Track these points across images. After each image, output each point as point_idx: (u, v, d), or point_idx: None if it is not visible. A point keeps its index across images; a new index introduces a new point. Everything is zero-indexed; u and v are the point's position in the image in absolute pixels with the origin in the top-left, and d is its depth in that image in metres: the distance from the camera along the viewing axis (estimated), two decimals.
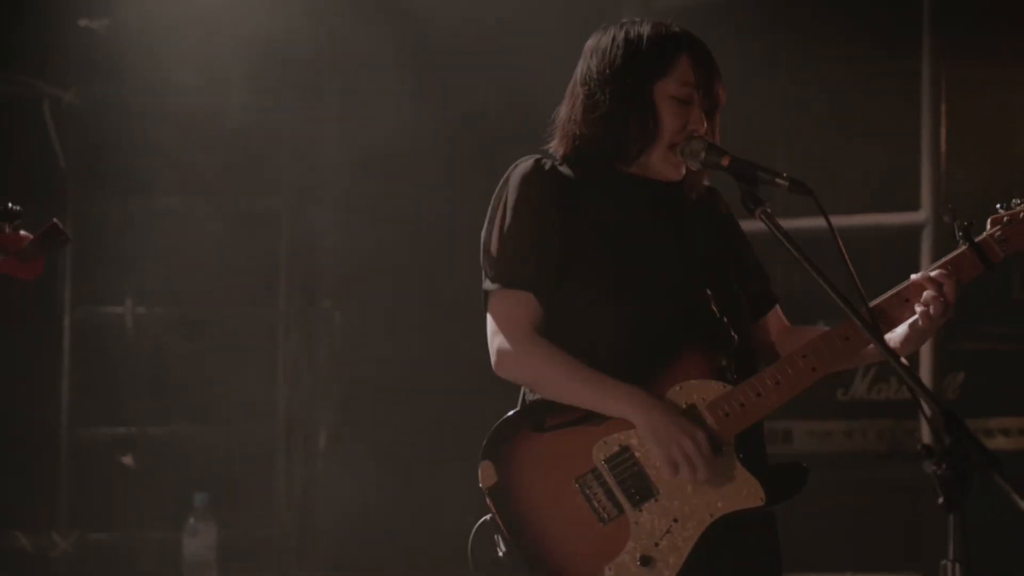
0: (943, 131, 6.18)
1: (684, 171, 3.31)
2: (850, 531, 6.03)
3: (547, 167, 3.28)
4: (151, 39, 6.36)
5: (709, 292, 3.27)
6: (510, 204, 3.25)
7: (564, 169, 3.30)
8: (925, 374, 6.01)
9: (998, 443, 5.98)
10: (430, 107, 6.46)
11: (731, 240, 3.45)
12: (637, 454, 3.16)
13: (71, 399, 6.69)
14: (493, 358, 3.25)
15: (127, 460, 6.66)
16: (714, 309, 3.26)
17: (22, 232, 3.56)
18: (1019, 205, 3.22)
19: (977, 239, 3.19)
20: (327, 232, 6.82)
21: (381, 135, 6.49)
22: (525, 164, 3.29)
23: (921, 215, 6.17)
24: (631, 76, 3.25)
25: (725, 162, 3.19)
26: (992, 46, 6.26)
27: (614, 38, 3.32)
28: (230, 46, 6.37)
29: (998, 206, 3.24)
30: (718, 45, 6.22)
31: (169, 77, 6.33)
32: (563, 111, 3.35)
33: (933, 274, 3.20)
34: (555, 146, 3.35)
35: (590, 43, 3.37)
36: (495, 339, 3.24)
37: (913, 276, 3.25)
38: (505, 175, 3.30)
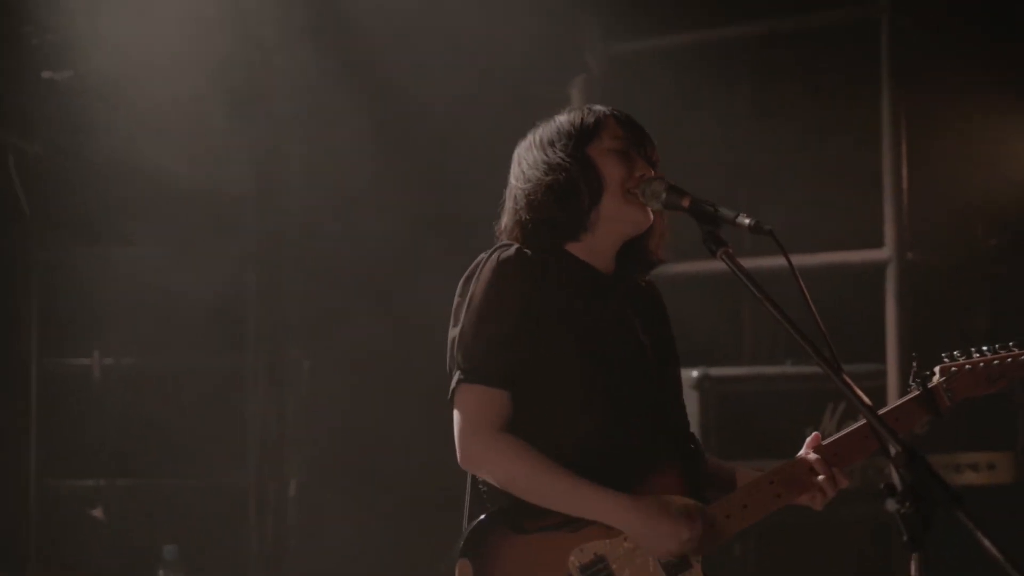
0: (904, 169, 6.21)
1: (652, 215, 3.27)
2: (820, 569, 6.01)
3: (525, 257, 3.20)
4: (114, 90, 6.37)
5: (671, 403, 3.30)
6: (485, 295, 3.17)
7: (537, 258, 3.21)
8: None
9: (967, 478, 5.98)
10: (396, 157, 6.49)
11: (672, 343, 3.43)
12: (613, 565, 3.14)
13: (39, 451, 6.65)
14: (460, 453, 3.16)
15: (97, 512, 6.61)
16: (677, 421, 3.30)
17: None
18: (960, 357, 3.36)
19: (930, 385, 3.35)
20: (294, 281, 6.81)
21: (347, 182, 6.51)
22: (507, 252, 3.20)
23: (885, 252, 6.19)
24: (561, 148, 3.24)
25: (686, 203, 3.16)
26: (950, 83, 6.31)
27: (536, 134, 3.32)
28: (193, 96, 6.39)
29: (943, 355, 3.38)
30: (680, 88, 6.33)
31: (133, 128, 6.34)
32: (505, 218, 3.31)
33: (817, 466, 3.25)
34: (503, 231, 3.31)
35: (515, 153, 3.34)
36: (464, 434, 3.15)
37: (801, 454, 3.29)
38: (477, 262, 3.23)
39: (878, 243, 6.22)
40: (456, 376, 3.18)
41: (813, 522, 5.99)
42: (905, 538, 2.60)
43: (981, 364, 3.35)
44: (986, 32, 6.25)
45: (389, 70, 6.55)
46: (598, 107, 3.34)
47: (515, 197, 3.28)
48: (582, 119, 3.28)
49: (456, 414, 3.18)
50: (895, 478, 2.71)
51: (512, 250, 3.20)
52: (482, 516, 3.18)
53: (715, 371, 6.07)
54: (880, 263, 6.18)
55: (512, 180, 3.31)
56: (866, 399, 3.02)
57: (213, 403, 6.67)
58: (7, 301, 6.64)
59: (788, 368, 6.09)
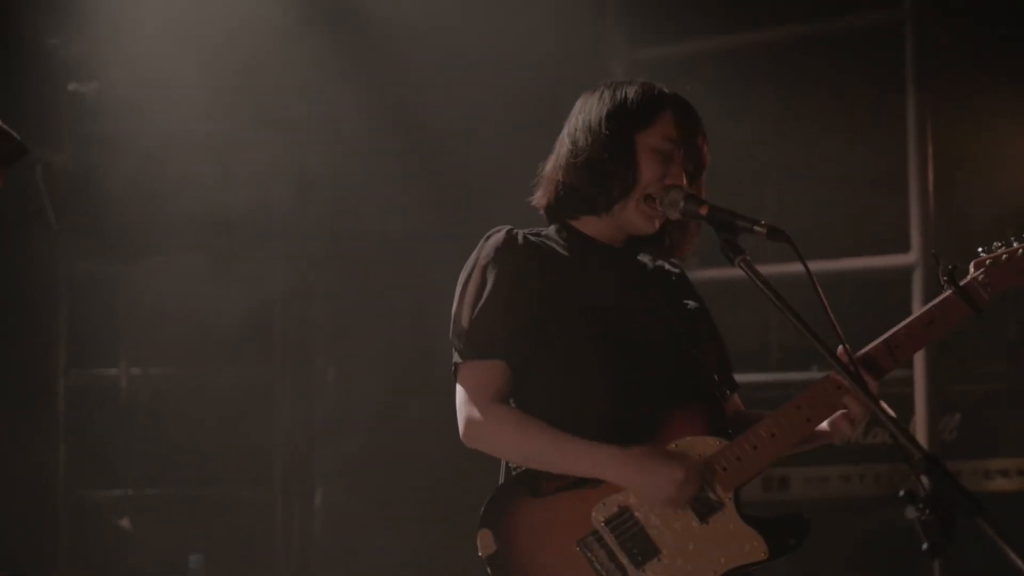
0: (930, 173, 6.18)
1: (658, 224, 3.30)
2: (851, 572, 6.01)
3: (519, 238, 3.27)
4: (140, 101, 6.41)
5: (694, 351, 3.28)
6: (480, 275, 3.23)
7: (535, 238, 3.30)
8: (921, 416, 5.98)
9: (998, 484, 5.95)
10: (421, 168, 6.51)
11: (702, 315, 3.44)
12: (637, 514, 3.14)
13: (68, 461, 6.69)
14: (461, 429, 3.21)
15: (124, 522, 6.64)
16: (702, 366, 3.28)
17: None
18: (999, 248, 3.21)
19: (962, 283, 3.17)
20: (320, 291, 6.83)
21: (372, 194, 6.54)
22: (496, 235, 3.28)
23: (911, 257, 6.16)
24: (614, 125, 3.26)
25: (704, 211, 3.17)
26: (976, 86, 6.29)
27: (601, 94, 3.34)
28: (218, 109, 6.42)
29: (979, 250, 3.23)
30: (703, 94, 6.31)
31: (158, 138, 6.37)
32: (548, 163, 3.36)
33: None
34: (539, 196, 3.36)
35: (579, 101, 3.39)
36: (463, 410, 3.20)
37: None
38: (478, 245, 3.30)
39: (905, 248, 6.19)
40: (454, 355, 3.24)
41: (846, 528, 6.02)
42: (925, 546, 2.58)
43: (1020, 251, 3.17)
44: (1011, 34, 6.22)
45: (414, 78, 6.57)
46: (665, 93, 3.35)
47: (559, 152, 3.33)
48: (642, 104, 3.29)
49: (457, 392, 3.24)
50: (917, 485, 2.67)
51: (502, 233, 3.27)
52: (499, 484, 3.21)
53: (741, 377, 6.03)
54: (907, 268, 6.15)
55: (566, 128, 3.35)
56: (888, 409, 2.98)
57: (239, 413, 6.69)
58: (35, 313, 6.69)
59: (815, 374, 6.06)
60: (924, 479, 2.61)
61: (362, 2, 6.55)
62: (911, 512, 2.60)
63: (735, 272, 3.10)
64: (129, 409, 6.70)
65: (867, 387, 2.99)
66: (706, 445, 3.16)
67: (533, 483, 3.17)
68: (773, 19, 6.58)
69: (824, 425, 3.26)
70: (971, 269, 3.21)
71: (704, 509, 3.15)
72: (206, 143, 6.40)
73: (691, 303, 3.41)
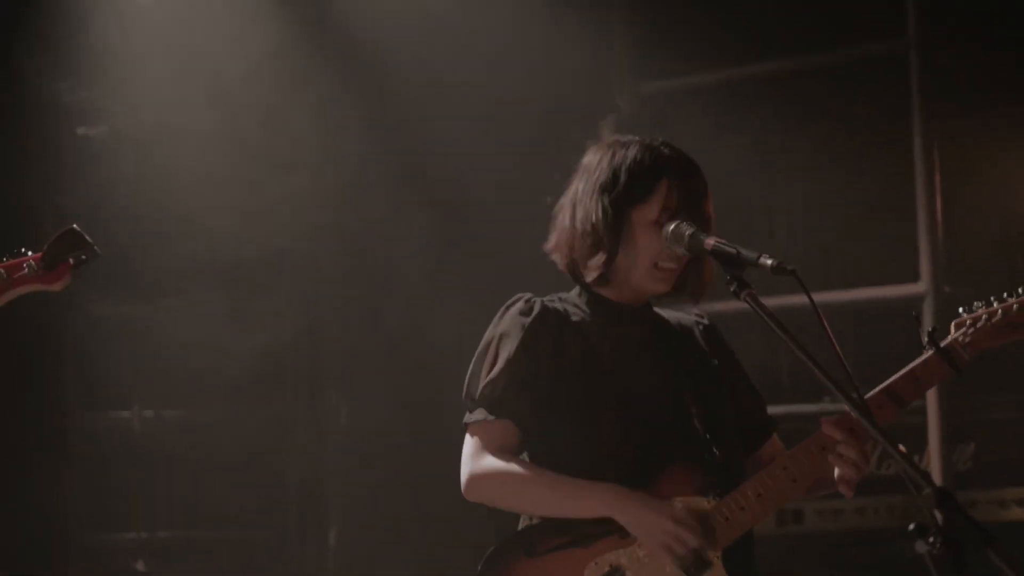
0: (938, 201, 6.17)
1: (671, 285, 3.35)
2: None
3: (536, 307, 3.34)
4: (148, 144, 6.45)
5: (692, 410, 3.32)
6: (496, 346, 3.32)
7: (553, 304, 3.37)
8: (934, 446, 5.96)
9: (1014, 514, 5.91)
10: (429, 203, 6.53)
11: (726, 368, 3.49)
12: (628, 573, 3.20)
13: (81, 505, 6.69)
14: (463, 484, 3.29)
15: (139, 566, 6.64)
16: (696, 426, 3.31)
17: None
18: (980, 308, 3.26)
19: (943, 343, 3.22)
20: (331, 328, 6.84)
21: (381, 230, 6.56)
22: (515, 306, 3.36)
23: (921, 286, 6.15)
24: (608, 200, 3.31)
25: (709, 246, 3.20)
26: (982, 114, 6.29)
27: (600, 159, 3.38)
28: (228, 147, 6.45)
29: (960, 310, 3.28)
30: (709, 126, 6.34)
31: (167, 180, 6.40)
32: (560, 218, 3.41)
33: (831, 432, 3.20)
34: (552, 249, 3.42)
35: (583, 160, 3.43)
36: (465, 466, 3.28)
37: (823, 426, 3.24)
38: (498, 313, 3.38)
39: (914, 277, 6.18)
40: (466, 414, 3.33)
41: (860, 561, 5.99)
42: None
43: (999, 312, 3.23)
44: (1016, 61, 6.22)
45: (422, 114, 6.60)
46: (662, 158, 3.36)
47: (563, 218, 3.38)
48: (637, 176, 3.31)
49: (464, 450, 3.31)
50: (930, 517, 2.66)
51: (521, 301, 3.36)
52: (498, 543, 3.26)
53: None
54: (917, 297, 6.14)
55: (569, 191, 3.40)
56: (900, 446, 2.96)
57: (252, 454, 6.69)
58: (47, 356, 6.70)
59: (826, 405, 6.05)
60: (935, 512, 2.61)
61: (369, 40, 6.57)
62: (921, 546, 2.60)
63: (744, 304, 3.14)
64: (142, 452, 6.70)
65: (875, 422, 2.93)
66: (695, 505, 3.22)
67: (528, 542, 3.24)
68: (778, 50, 6.60)
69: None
70: (952, 329, 3.26)
71: (693, 568, 3.19)
72: (215, 185, 6.43)
73: (713, 359, 3.46)
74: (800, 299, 3.03)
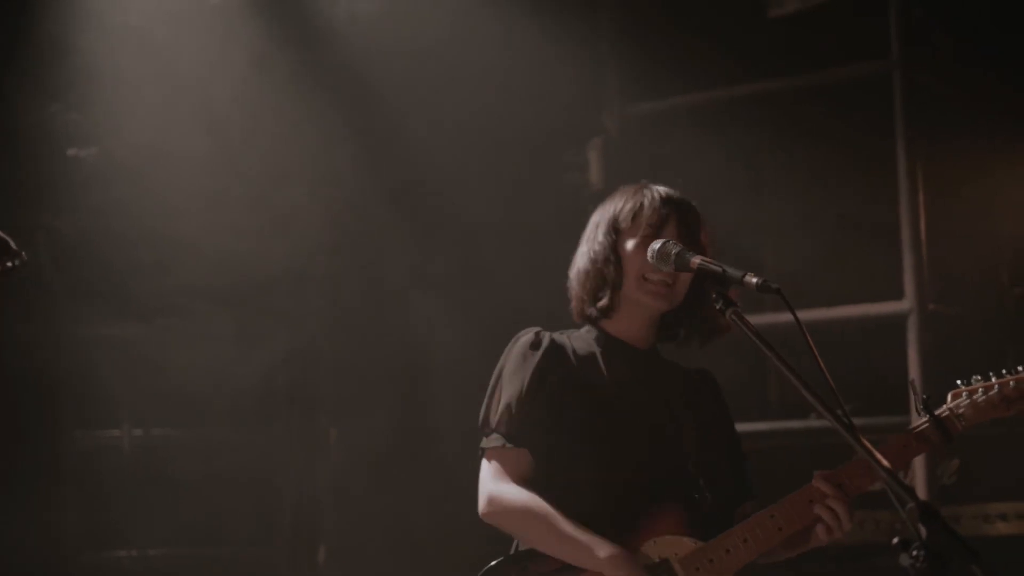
0: (922, 220, 6.21)
1: (669, 302, 3.47)
2: None
3: (545, 340, 3.50)
4: (138, 166, 6.46)
5: (690, 453, 3.43)
6: (506, 370, 3.48)
7: (560, 339, 3.53)
8: (919, 461, 5.97)
9: (997, 528, 5.94)
10: (420, 225, 6.57)
11: (721, 421, 3.63)
12: None
13: (74, 523, 6.70)
14: (481, 507, 3.43)
15: None
16: (691, 469, 3.41)
17: None
18: (978, 381, 3.34)
19: (937, 412, 3.30)
20: (322, 349, 6.86)
21: (370, 251, 6.59)
22: (524, 338, 3.52)
23: (905, 304, 6.18)
24: (606, 235, 3.52)
25: (694, 264, 3.28)
26: (966, 132, 6.34)
27: (603, 205, 3.60)
28: (218, 169, 6.48)
29: (958, 382, 3.35)
30: (697, 146, 6.38)
31: (157, 202, 6.42)
32: (573, 282, 3.62)
33: (821, 486, 3.30)
34: (571, 301, 3.60)
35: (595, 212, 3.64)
36: (485, 489, 3.43)
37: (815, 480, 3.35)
38: (507, 348, 3.53)
39: (899, 295, 6.22)
40: (481, 444, 3.47)
41: (846, 574, 6.00)
42: None
43: (996, 387, 3.31)
44: (1000, 81, 6.28)
45: (411, 133, 6.64)
46: (646, 191, 3.55)
47: (573, 269, 3.60)
48: (623, 207, 3.53)
49: (482, 473, 3.47)
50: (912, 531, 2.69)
51: (530, 333, 3.53)
52: (492, 563, 3.36)
53: (739, 427, 6.04)
54: (901, 315, 6.18)
55: (577, 253, 3.63)
56: (882, 459, 2.99)
57: (243, 473, 6.70)
58: (39, 376, 6.71)
59: (812, 422, 6.08)
60: (919, 526, 2.64)
61: (361, 65, 6.61)
62: (905, 560, 2.64)
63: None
64: (133, 470, 6.71)
65: (859, 437, 2.97)
66: (681, 545, 3.32)
67: (521, 566, 3.36)
68: (764, 71, 6.65)
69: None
70: (948, 399, 3.34)
71: None
72: (206, 207, 6.45)
73: (713, 410, 3.60)
74: (786, 317, 3.08)
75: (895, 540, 2.66)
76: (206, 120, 6.44)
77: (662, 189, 3.54)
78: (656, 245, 3.34)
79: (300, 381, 6.89)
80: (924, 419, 3.31)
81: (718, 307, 3.18)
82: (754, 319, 3.16)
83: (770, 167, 6.96)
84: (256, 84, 6.52)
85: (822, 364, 3.06)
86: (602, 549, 3.28)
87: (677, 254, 3.30)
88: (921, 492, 5.84)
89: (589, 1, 6.88)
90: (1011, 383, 3.31)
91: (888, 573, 5.91)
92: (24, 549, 6.53)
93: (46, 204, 6.71)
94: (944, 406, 3.32)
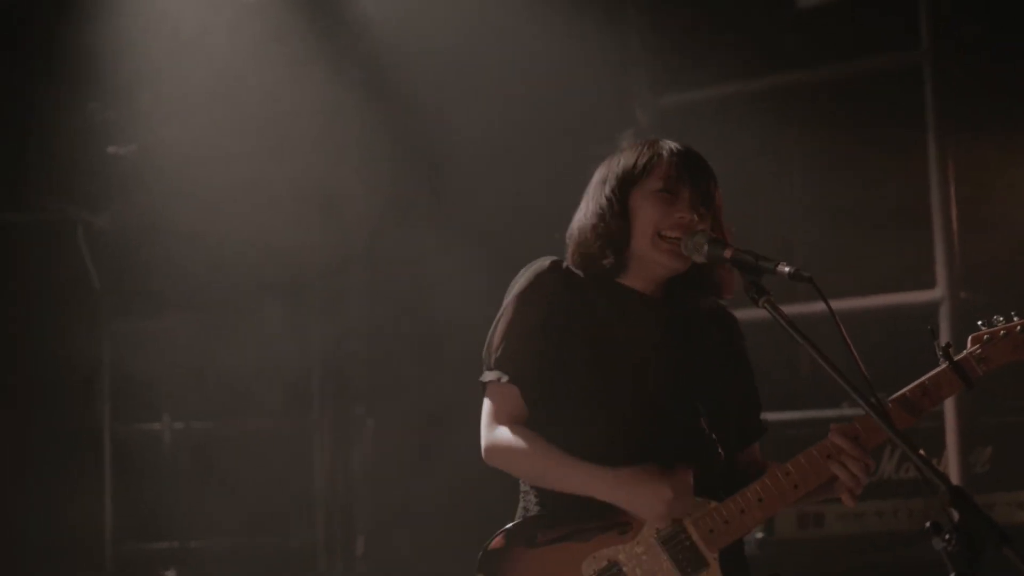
0: (953, 209, 6.22)
1: (684, 262, 3.35)
2: None
3: (562, 268, 3.37)
4: (178, 163, 6.53)
5: (700, 408, 3.34)
6: (515, 301, 3.35)
7: (576, 275, 3.39)
8: (952, 449, 5.99)
9: None
10: (453, 218, 6.61)
11: (735, 364, 3.51)
12: (625, 568, 3.23)
13: (114, 515, 6.78)
14: (483, 448, 3.35)
15: (170, 574, 6.72)
16: (703, 425, 3.33)
17: None
18: (1000, 322, 3.26)
19: (957, 357, 3.23)
20: (357, 341, 6.92)
21: (406, 243, 6.64)
22: (540, 264, 3.38)
23: (937, 292, 6.20)
24: (612, 189, 3.38)
25: (728, 254, 3.23)
26: (996, 122, 6.34)
27: (608, 161, 3.46)
28: (255, 164, 6.54)
29: (979, 323, 3.28)
30: (729, 138, 6.41)
31: (196, 197, 6.49)
32: (571, 227, 3.46)
33: (838, 440, 3.23)
34: (569, 255, 3.44)
35: (597, 171, 3.48)
36: (485, 430, 3.34)
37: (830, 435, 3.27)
38: (523, 270, 3.41)
39: (931, 284, 6.23)
40: (482, 376, 3.37)
41: (881, 564, 6.01)
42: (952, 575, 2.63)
43: (1019, 328, 3.23)
44: None
45: (443, 132, 6.68)
46: (660, 143, 3.43)
47: (572, 229, 3.43)
48: (636, 160, 3.39)
49: (484, 408, 3.37)
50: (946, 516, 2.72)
51: (547, 262, 3.39)
52: (498, 532, 3.31)
53: (771, 416, 6.06)
54: (933, 303, 6.19)
55: (578, 210, 3.45)
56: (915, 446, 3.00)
57: (281, 464, 6.77)
58: (80, 370, 6.80)
59: (844, 411, 6.08)
60: (952, 511, 2.66)
61: (393, 58, 6.66)
62: (937, 543, 2.66)
63: (763, 311, 3.15)
64: (173, 463, 6.79)
65: (892, 422, 2.97)
66: (695, 506, 3.24)
67: (529, 533, 3.28)
68: (795, 63, 6.65)
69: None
70: (968, 344, 3.26)
71: (690, 567, 3.22)
72: (242, 202, 6.51)
73: (725, 352, 3.47)
74: (818, 306, 3.07)
75: (927, 524, 2.67)
76: (243, 116, 6.49)
77: (674, 143, 3.43)
78: (690, 238, 3.27)
79: (336, 373, 6.95)
80: (943, 364, 3.23)
81: (751, 296, 3.14)
82: (785, 309, 3.13)
83: (800, 158, 6.97)
84: (293, 79, 6.58)
85: (855, 352, 3.05)
86: (607, 473, 3.21)
87: (710, 244, 3.24)
88: (954, 480, 5.85)
89: None
90: None
91: (922, 562, 5.95)
92: (67, 540, 6.63)
93: (85, 200, 6.79)
94: (965, 351, 3.24)
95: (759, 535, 5.87)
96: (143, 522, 6.81)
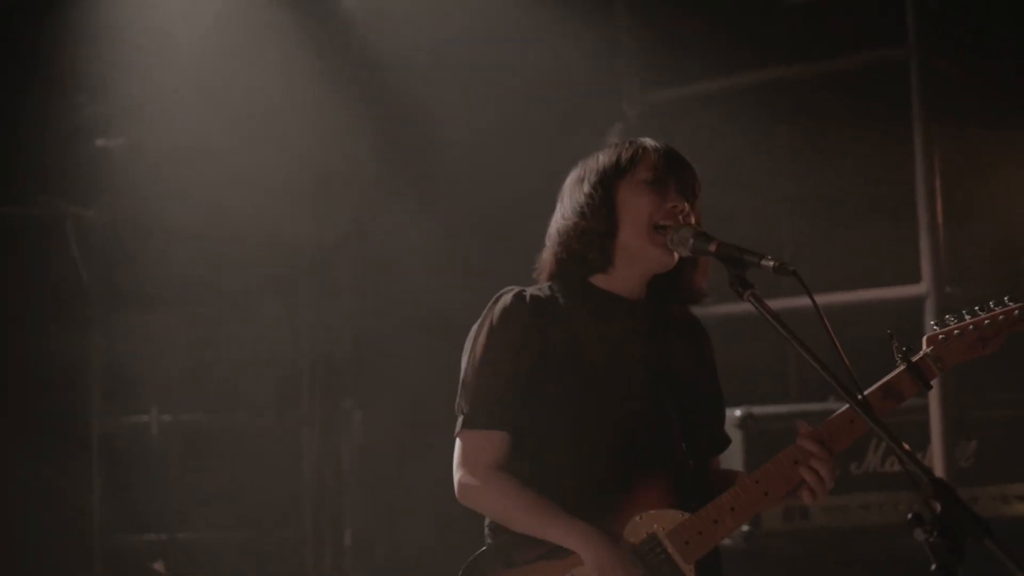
0: (938, 204, 6.24)
1: (676, 256, 3.34)
2: None
3: (527, 299, 3.32)
4: (166, 156, 6.54)
5: (673, 416, 3.33)
6: (487, 341, 3.30)
7: (543, 295, 3.34)
8: (937, 443, 6.02)
9: (1015, 509, 5.96)
10: (440, 211, 6.62)
11: (708, 374, 3.51)
12: None
13: (102, 507, 6.78)
14: (456, 489, 3.31)
15: (158, 566, 6.73)
16: (677, 437, 3.32)
17: None
18: (952, 322, 3.30)
19: (914, 359, 3.25)
20: (344, 333, 6.93)
21: (395, 239, 6.65)
22: (505, 298, 3.33)
23: (922, 287, 6.22)
24: (593, 186, 3.35)
25: (713, 248, 3.23)
26: (982, 118, 6.37)
27: (580, 166, 3.42)
28: (245, 158, 6.55)
29: (932, 323, 3.32)
30: (716, 133, 6.42)
31: (185, 191, 6.50)
32: (545, 251, 3.43)
33: (806, 445, 3.24)
34: (541, 266, 3.42)
35: (565, 182, 3.45)
36: (458, 471, 3.30)
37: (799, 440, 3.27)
38: (487, 308, 3.35)
39: (916, 279, 6.26)
40: (459, 420, 3.32)
41: (866, 557, 6.04)
42: (934, 567, 2.64)
43: (971, 327, 3.26)
44: (1015, 67, 6.31)
45: (430, 127, 6.70)
46: (641, 140, 3.41)
47: (551, 232, 3.41)
48: (619, 155, 3.37)
49: (456, 453, 3.32)
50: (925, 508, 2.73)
51: (510, 296, 3.33)
52: (476, 553, 3.29)
53: (758, 409, 6.11)
54: (918, 298, 6.22)
55: (555, 214, 3.42)
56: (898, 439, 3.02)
57: (269, 457, 6.78)
58: (68, 363, 6.80)
59: (831, 405, 6.10)
60: (934, 503, 2.67)
61: (383, 54, 6.67)
62: (919, 534, 2.67)
63: (750, 305, 3.13)
64: (161, 455, 6.80)
65: (875, 415, 2.97)
66: (668, 518, 3.23)
67: (507, 554, 3.26)
68: (782, 58, 6.67)
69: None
70: (924, 344, 3.29)
71: None
72: (234, 196, 6.51)
73: (697, 362, 3.46)
74: (803, 301, 3.08)
75: (909, 515, 2.68)
76: (231, 109, 6.50)
77: (660, 143, 3.40)
78: (675, 231, 3.26)
79: (324, 366, 6.96)
80: (900, 367, 3.25)
81: (736, 290, 3.13)
82: (772, 303, 3.14)
83: (786, 153, 6.99)
84: (280, 73, 6.58)
85: (839, 347, 3.04)
86: (582, 532, 3.18)
87: (696, 237, 3.23)
88: (939, 474, 5.87)
89: None
90: (986, 321, 3.27)
91: (907, 555, 5.98)
92: (54, 533, 6.63)
93: (74, 194, 6.79)
94: (921, 351, 3.26)
95: (745, 528, 5.89)
96: (131, 514, 6.81)
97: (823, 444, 3.25)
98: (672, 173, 3.35)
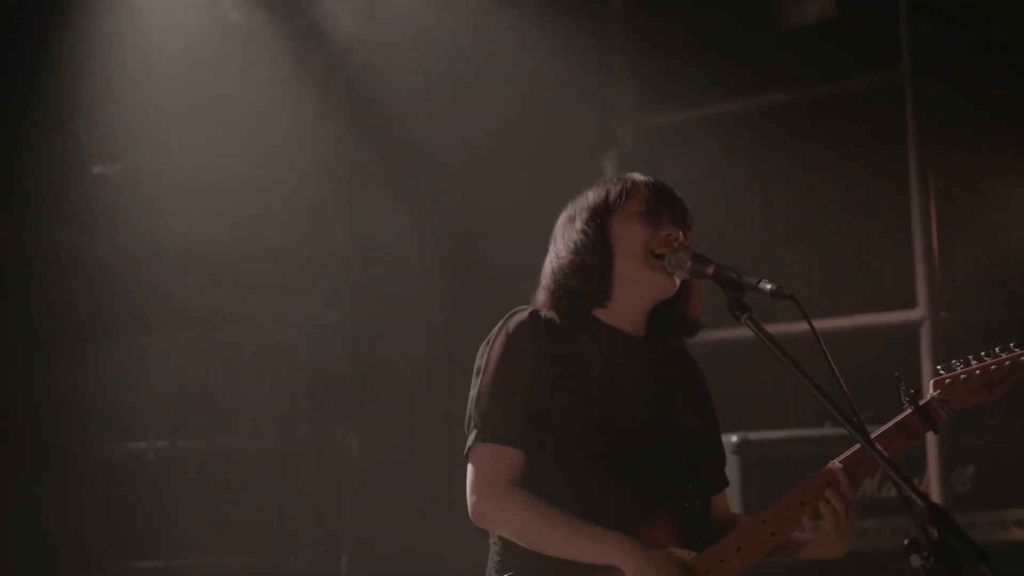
0: (934, 229, 6.26)
1: (676, 281, 3.32)
2: None
3: (541, 319, 3.28)
4: (163, 183, 6.54)
5: (678, 454, 3.31)
6: (501, 358, 3.24)
7: (556, 323, 3.29)
8: (934, 469, 6.02)
9: (1013, 535, 5.95)
10: (434, 233, 6.63)
11: (705, 409, 3.48)
12: None
13: (99, 534, 6.77)
14: (471, 509, 3.22)
15: None
16: (681, 473, 3.30)
17: None
18: (958, 367, 3.29)
19: (921, 403, 3.24)
20: (340, 356, 6.93)
21: (389, 266, 6.66)
22: (520, 315, 3.29)
23: (918, 312, 6.23)
24: (585, 221, 3.33)
25: (710, 271, 3.21)
26: (977, 142, 6.38)
27: (571, 205, 3.41)
28: (241, 186, 6.56)
29: (938, 368, 3.32)
30: (710, 158, 6.44)
31: (181, 218, 6.50)
32: (543, 270, 3.40)
33: (839, 476, 3.23)
34: (535, 304, 3.37)
35: (557, 223, 3.42)
36: (475, 490, 3.21)
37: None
38: (499, 324, 3.30)
39: (912, 304, 6.26)
40: (472, 435, 3.24)
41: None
42: None
43: (977, 372, 3.25)
44: (1009, 90, 6.33)
45: (427, 151, 6.71)
46: (629, 175, 3.41)
47: (546, 271, 3.38)
48: (607, 191, 3.35)
49: (469, 471, 3.24)
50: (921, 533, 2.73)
51: (526, 314, 3.29)
52: None
53: (755, 435, 6.10)
54: (914, 323, 6.22)
55: (548, 255, 3.39)
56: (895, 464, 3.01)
57: (265, 483, 6.77)
58: (65, 389, 6.80)
59: (828, 430, 6.10)
60: (931, 528, 2.67)
61: (379, 79, 6.70)
62: (916, 560, 2.67)
63: (747, 330, 3.10)
64: (157, 481, 6.79)
65: (871, 440, 2.97)
66: (677, 556, 3.19)
67: None
68: (777, 83, 6.69)
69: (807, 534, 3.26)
70: (930, 388, 3.28)
71: None
72: (229, 222, 6.52)
73: (696, 397, 3.45)
74: (800, 326, 3.08)
75: (905, 541, 2.69)
76: (227, 134, 6.51)
77: (649, 178, 3.38)
78: (673, 254, 3.24)
79: (320, 391, 6.96)
80: (908, 410, 3.24)
81: (734, 313, 3.12)
82: (768, 328, 3.11)
83: (782, 177, 7.01)
84: (276, 98, 6.60)
85: (836, 372, 3.03)
86: (616, 539, 3.12)
87: (693, 260, 3.22)
88: (936, 499, 5.87)
89: (602, 15, 6.94)
90: (992, 367, 3.25)
91: None
92: (51, 559, 6.61)
93: (70, 220, 6.80)
94: (929, 395, 3.25)
95: None
96: (128, 541, 6.79)
97: (828, 485, 3.22)
98: (664, 203, 3.34)
